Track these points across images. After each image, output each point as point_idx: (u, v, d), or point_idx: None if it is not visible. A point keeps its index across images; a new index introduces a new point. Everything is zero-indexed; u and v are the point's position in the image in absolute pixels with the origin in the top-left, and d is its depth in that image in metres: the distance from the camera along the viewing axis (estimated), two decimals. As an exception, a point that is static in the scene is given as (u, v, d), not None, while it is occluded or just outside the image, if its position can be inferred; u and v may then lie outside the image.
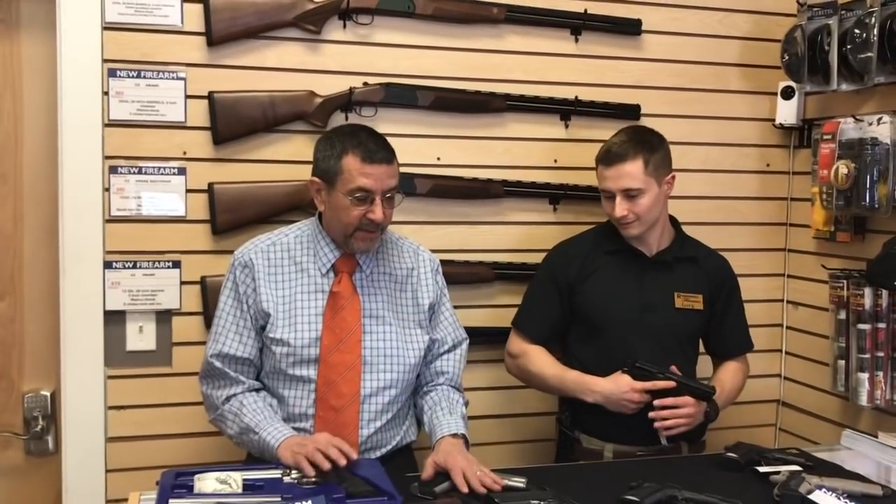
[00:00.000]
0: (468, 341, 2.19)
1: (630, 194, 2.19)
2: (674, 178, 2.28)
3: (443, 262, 2.46)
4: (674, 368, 2.18)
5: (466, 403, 2.10)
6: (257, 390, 1.99)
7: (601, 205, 2.55)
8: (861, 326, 2.41)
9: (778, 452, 2.09)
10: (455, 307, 2.49)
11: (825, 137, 2.48)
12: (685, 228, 2.40)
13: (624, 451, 2.22)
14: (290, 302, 1.97)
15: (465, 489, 1.73)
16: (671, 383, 2.13)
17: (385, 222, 1.96)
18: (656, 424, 2.14)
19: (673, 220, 2.38)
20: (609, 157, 2.22)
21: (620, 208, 2.20)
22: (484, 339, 2.54)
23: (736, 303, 2.39)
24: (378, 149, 1.93)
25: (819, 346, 2.67)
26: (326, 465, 1.71)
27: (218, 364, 1.96)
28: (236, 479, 1.67)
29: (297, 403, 1.96)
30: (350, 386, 1.95)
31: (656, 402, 2.13)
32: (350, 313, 1.98)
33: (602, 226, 2.40)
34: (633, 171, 2.18)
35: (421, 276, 2.10)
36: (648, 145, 2.22)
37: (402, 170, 2.39)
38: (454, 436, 1.93)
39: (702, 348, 2.43)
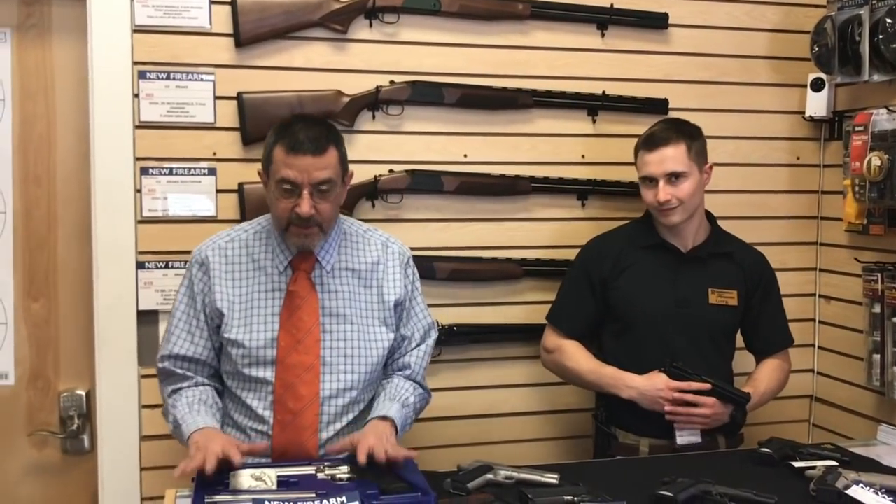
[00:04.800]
0: (436, 329, 2.12)
1: (674, 177, 2.19)
2: (711, 168, 2.29)
3: (471, 260, 2.49)
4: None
5: (422, 397, 2.05)
6: (203, 385, 1.94)
7: (630, 199, 2.58)
8: (896, 320, 2.38)
9: (813, 448, 2.08)
10: (483, 304, 2.53)
11: (857, 129, 2.45)
12: (716, 223, 2.39)
13: (660, 446, 2.22)
14: (247, 301, 1.92)
15: (362, 459, 1.71)
16: (706, 385, 2.15)
17: (317, 217, 1.85)
18: (668, 418, 2.16)
19: (709, 215, 2.38)
20: (653, 140, 2.22)
21: (664, 193, 2.19)
22: (520, 336, 2.55)
23: (774, 299, 2.38)
24: (306, 140, 1.83)
25: (852, 340, 2.63)
26: (208, 468, 1.66)
27: (167, 364, 1.93)
28: (270, 475, 1.68)
29: (256, 406, 1.89)
30: (308, 388, 1.88)
31: (674, 397, 2.13)
32: (307, 312, 1.91)
33: (636, 221, 2.40)
34: (676, 155, 2.19)
35: (388, 270, 2.01)
36: (689, 132, 2.24)
37: (429, 167, 2.44)
38: (383, 419, 1.88)
39: (741, 344, 2.42)
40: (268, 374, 1.89)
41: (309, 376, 1.89)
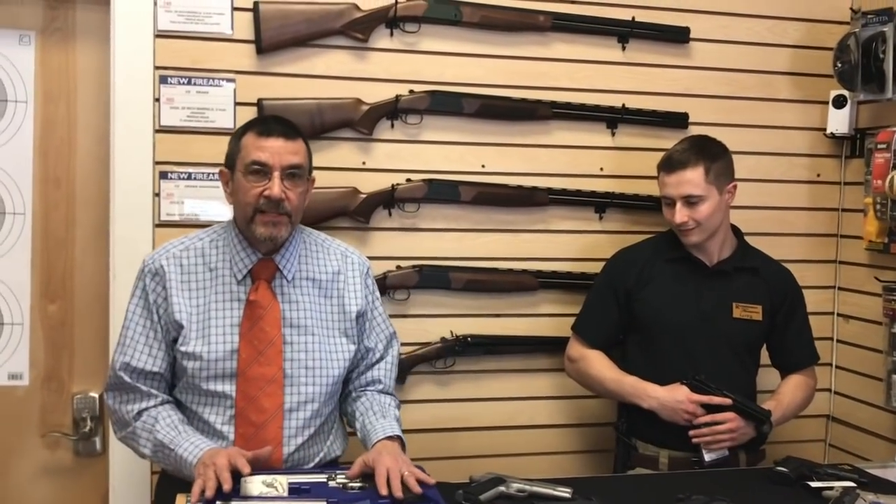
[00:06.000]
0: (398, 339, 2.09)
1: (690, 201, 2.20)
2: (735, 187, 2.29)
3: (486, 271, 2.48)
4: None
5: (399, 406, 2.03)
6: (170, 403, 1.88)
7: (648, 213, 2.57)
8: (917, 340, 2.35)
9: (830, 468, 2.05)
10: (498, 315, 2.52)
11: (879, 147, 2.43)
12: (738, 238, 2.38)
13: (679, 458, 2.22)
14: (205, 312, 1.85)
15: (383, 491, 1.65)
16: (727, 401, 2.15)
17: (287, 205, 1.83)
18: (694, 441, 2.16)
19: (736, 229, 2.38)
20: (670, 163, 2.22)
21: (681, 215, 2.20)
22: (535, 348, 2.54)
23: (799, 315, 2.38)
24: (278, 126, 1.86)
25: (871, 360, 2.60)
26: (226, 486, 1.61)
27: (127, 378, 1.84)
28: (282, 482, 1.67)
29: (214, 421, 1.84)
30: (272, 400, 1.84)
31: (696, 421, 2.15)
32: (269, 323, 1.86)
33: (663, 234, 2.41)
34: (693, 178, 2.19)
35: (348, 281, 1.98)
36: (710, 153, 2.23)
37: (447, 177, 2.44)
38: (390, 438, 1.83)
39: (766, 360, 2.41)
40: (227, 387, 1.83)
41: (272, 388, 1.84)
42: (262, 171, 1.83)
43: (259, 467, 1.71)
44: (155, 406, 1.86)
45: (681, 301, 2.28)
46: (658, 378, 2.22)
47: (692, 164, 2.19)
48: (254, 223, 1.84)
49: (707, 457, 2.16)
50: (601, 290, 2.37)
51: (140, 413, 1.85)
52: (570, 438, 2.62)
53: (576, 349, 2.39)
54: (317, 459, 1.92)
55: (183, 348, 1.84)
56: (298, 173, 1.86)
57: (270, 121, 1.91)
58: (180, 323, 1.85)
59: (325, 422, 1.95)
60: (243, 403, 1.84)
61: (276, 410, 1.85)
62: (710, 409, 2.16)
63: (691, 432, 2.16)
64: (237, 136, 1.91)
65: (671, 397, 2.17)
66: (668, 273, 2.30)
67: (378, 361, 2.03)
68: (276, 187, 1.81)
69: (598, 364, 2.33)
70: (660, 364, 2.25)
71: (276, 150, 1.83)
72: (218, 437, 1.84)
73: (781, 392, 2.34)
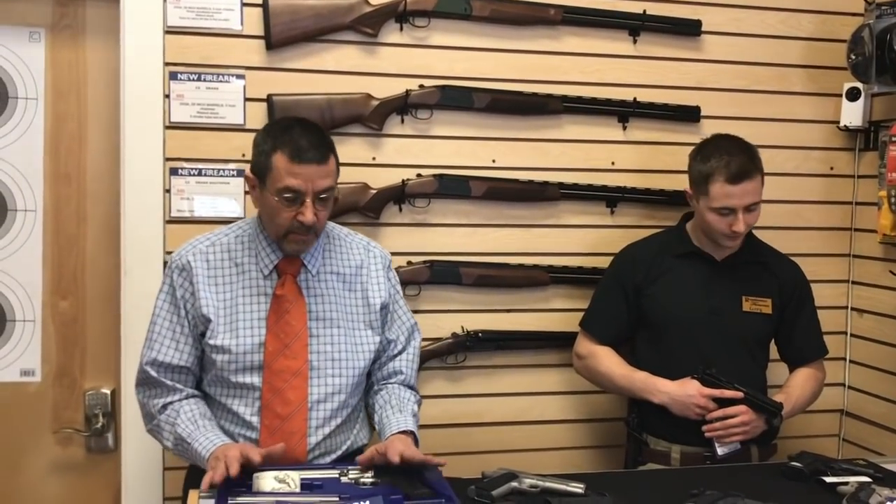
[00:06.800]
0: (419, 330, 2.09)
1: (750, 209, 2.18)
2: None
3: (497, 266, 2.47)
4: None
5: (419, 402, 2.03)
6: (195, 398, 1.90)
7: (660, 207, 2.56)
8: (932, 334, 2.33)
9: (845, 463, 2.03)
10: (510, 311, 2.51)
11: (894, 139, 2.40)
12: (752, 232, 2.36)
13: (691, 453, 2.21)
14: (232, 306, 1.88)
15: (396, 459, 1.70)
16: (738, 394, 2.14)
17: (317, 225, 1.86)
18: (707, 435, 2.15)
19: None
20: (737, 174, 2.15)
21: (743, 223, 2.17)
22: (547, 344, 2.54)
23: (808, 309, 2.36)
24: (309, 147, 1.81)
25: (885, 354, 2.59)
26: (233, 471, 1.65)
27: (153, 373, 1.87)
28: (294, 478, 1.67)
29: (243, 412, 1.87)
30: (297, 393, 1.87)
31: (708, 416, 2.14)
32: (295, 317, 1.89)
33: (670, 229, 2.39)
34: (757, 186, 2.19)
35: (371, 273, 2.00)
36: (756, 156, 2.22)
37: (457, 172, 2.43)
38: (403, 433, 1.85)
39: (775, 355, 2.39)
40: (255, 379, 1.86)
41: (297, 381, 1.87)
42: (294, 197, 1.82)
43: (274, 463, 1.71)
44: (179, 400, 1.88)
45: (690, 296, 2.26)
46: (669, 373, 2.21)
47: (753, 172, 2.17)
48: (285, 241, 1.88)
49: (720, 450, 2.16)
50: (609, 286, 2.36)
51: (165, 407, 1.88)
52: (581, 434, 2.61)
53: (584, 346, 2.37)
54: (344, 447, 1.95)
55: (211, 342, 1.87)
56: (329, 195, 1.86)
57: (301, 138, 1.82)
58: (208, 317, 1.87)
59: (352, 412, 1.97)
60: (269, 395, 1.86)
61: (301, 403, 1.87)
62: (721, 402, 2.15)
63: (704, 427, 2.15)
64: (266, 148, 1.84)
65: (682, 392, 2.16)
66: (677, 268, 2.29)
67: (399, 353, 2.04)
68: (308, 213, 1.82)
69: (608, 360, 2.32)
70: (670, 359, 2.24)
71: (309, 177, 1.81)
72: (247, 428, 1.87)
73: (791, 385, 2.33)
